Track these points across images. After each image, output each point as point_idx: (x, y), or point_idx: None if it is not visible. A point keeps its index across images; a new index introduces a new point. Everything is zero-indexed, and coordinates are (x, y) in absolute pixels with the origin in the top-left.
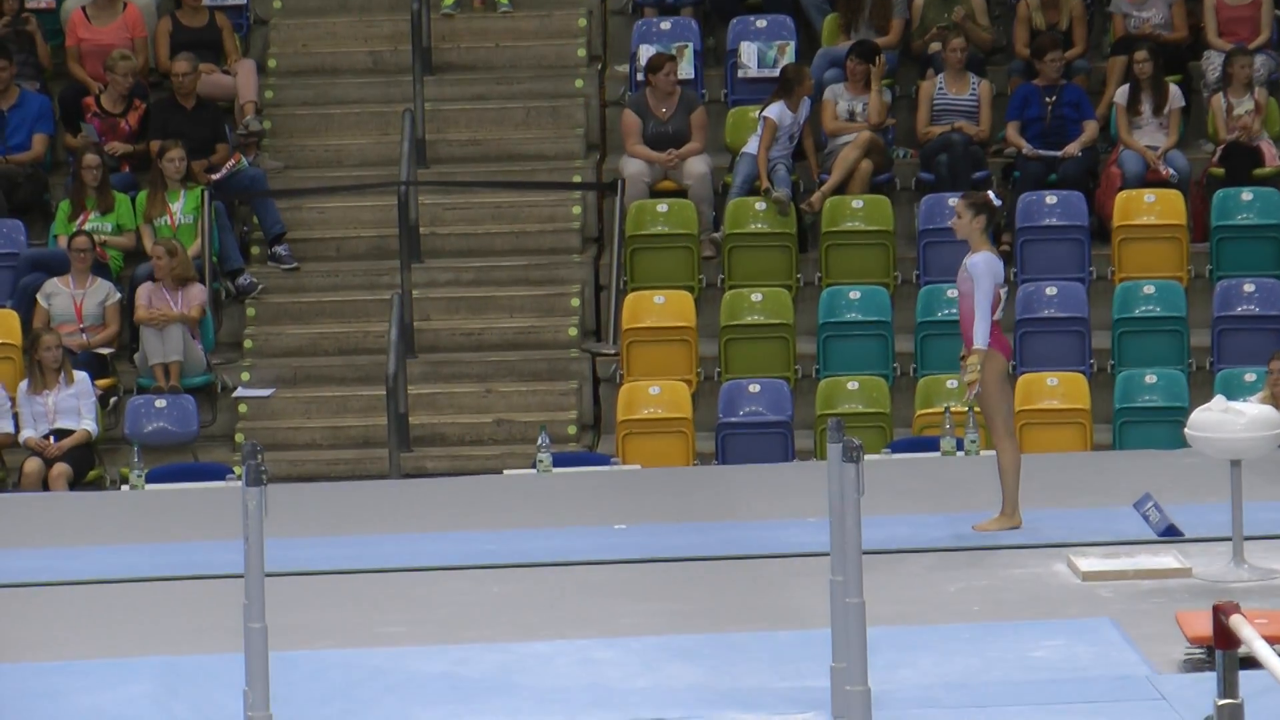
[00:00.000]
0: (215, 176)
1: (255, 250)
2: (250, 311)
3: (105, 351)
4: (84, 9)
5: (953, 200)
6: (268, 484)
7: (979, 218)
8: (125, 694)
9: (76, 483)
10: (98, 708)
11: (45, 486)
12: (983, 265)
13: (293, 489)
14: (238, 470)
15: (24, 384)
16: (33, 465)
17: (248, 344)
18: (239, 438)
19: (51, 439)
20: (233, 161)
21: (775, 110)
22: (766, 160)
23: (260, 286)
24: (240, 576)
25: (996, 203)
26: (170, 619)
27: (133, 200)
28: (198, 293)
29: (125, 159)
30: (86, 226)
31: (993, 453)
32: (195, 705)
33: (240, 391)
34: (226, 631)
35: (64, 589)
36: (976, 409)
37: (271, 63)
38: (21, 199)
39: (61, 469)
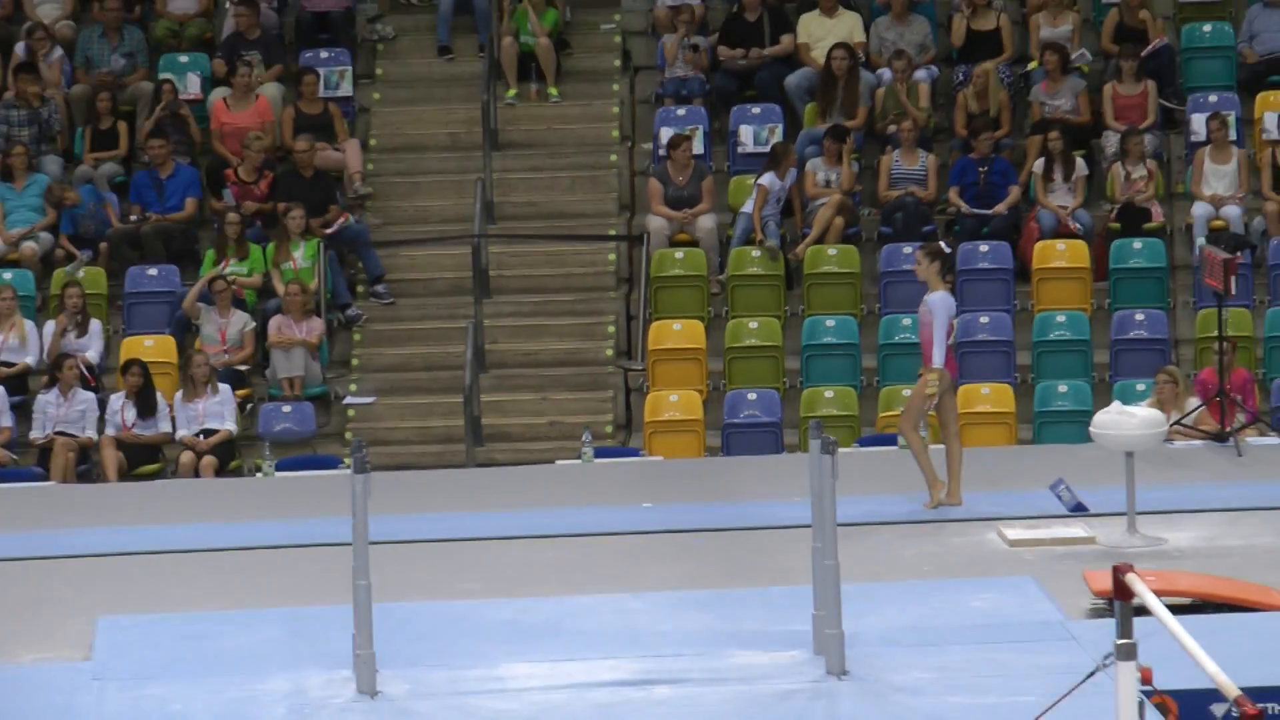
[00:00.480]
0: (328, 230)
1: (360, 289)
2: (356, 336)
3: (243, 368)
4: (225, 99)
5: (908, 249)
6: (370, 472)
7: (934, 263)
8: (260, 637)
9: (221, 471)
10: (237, 648)
11: (197, 474)
12: (939, 302)
13: (389, 476)
14: (347, 461)
15: (179, 394)
16: (187, 458)
17: (354, 362)
18: (348, 435)
19: (201, 437)
20: (342, 219)
21: (767, 178)
22: (760, 218)
23: (364, 317)
24: (349, 545)
25: (947, 250)
26: (294, 578)
27: (263, 249)
28: (316, 322)
29: (258, 217)
30: (227, 271)
31: (940, 446)
32: (314, 646)
33: (349, 399)
34: (338, 588)
35: (212, 555)
36: (931, 413)
37: (372, 141)
38: (176, 249)
39: (209, 461)
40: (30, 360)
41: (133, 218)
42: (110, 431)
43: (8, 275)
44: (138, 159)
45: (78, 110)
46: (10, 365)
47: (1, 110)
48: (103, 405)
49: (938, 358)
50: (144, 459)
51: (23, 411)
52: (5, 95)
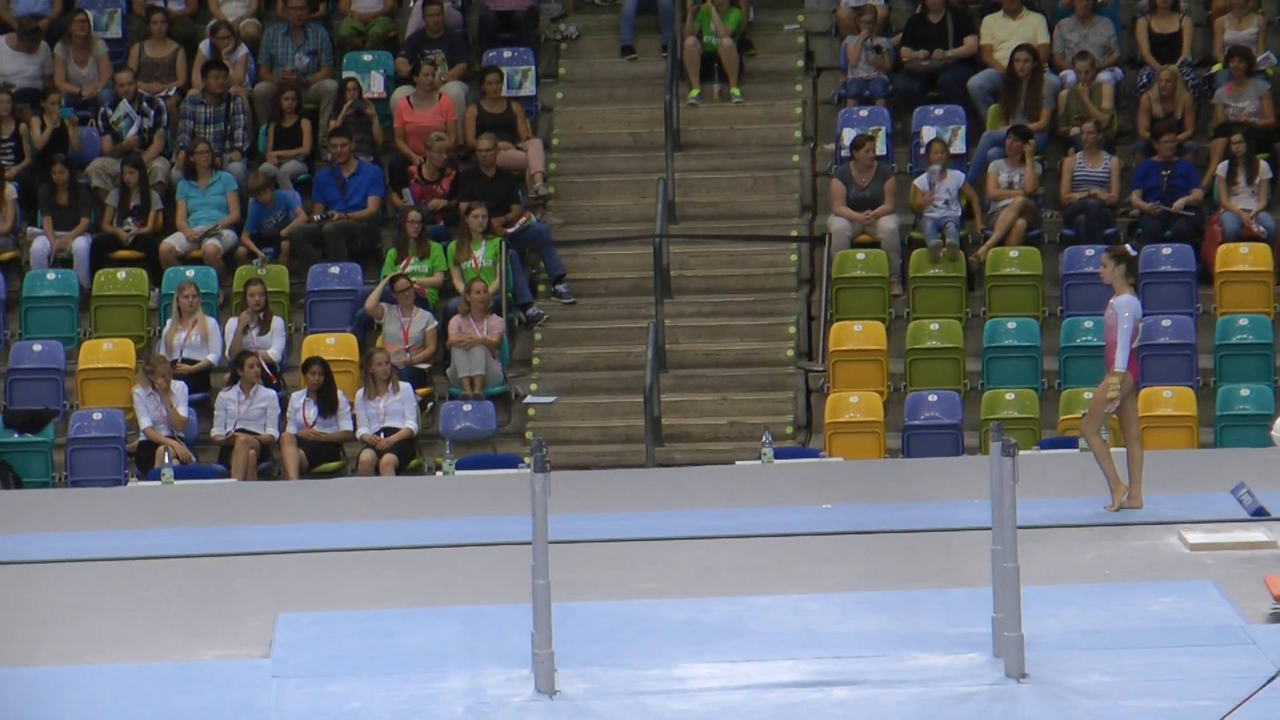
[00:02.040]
0: (510, 230)
1: (541, 288)
2: (537, 336)
3: (424, 366)
4: (408, 98)
5: (1090, 251)
6: (550, 471)
7: (1120, 266)
8: (439, 635)
9: (401, 470)
10: (416, 646)
11: (377, 473)
12: (1125, 306)
13: (570, 475)
14: (527, 460)
15: (360, 392)
16: (367, 456)
17: (535, 361)
18: (528, 435)
19: (381, 435)
20: (524, 218)
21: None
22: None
23: (545, 316)
24: (529, 543)
25: (1134, 254)
26: (474, 577)
27: (445, 248)
28: (496, 321)
29: (440, 215)
30: (408, 269)
31: (1123, 450)
32: (493, 644)
33: (529, 399)
34: (518, 586)
35: (391, 553)
36: (1113, 416)
37: (555, 141)
38: (358, 248)
39: (390, 459)
40: (212, 358)
41: (316, 216)
42: (291, 429)
43: (190, 273)
44: (320, 157)
45: (261, 108)
46: (193, 362)
47: (187, 107)
48: (284, 403)
49: (1121, 361)
50: (325, 457)
51: (204, 409)
52: (191, 92)
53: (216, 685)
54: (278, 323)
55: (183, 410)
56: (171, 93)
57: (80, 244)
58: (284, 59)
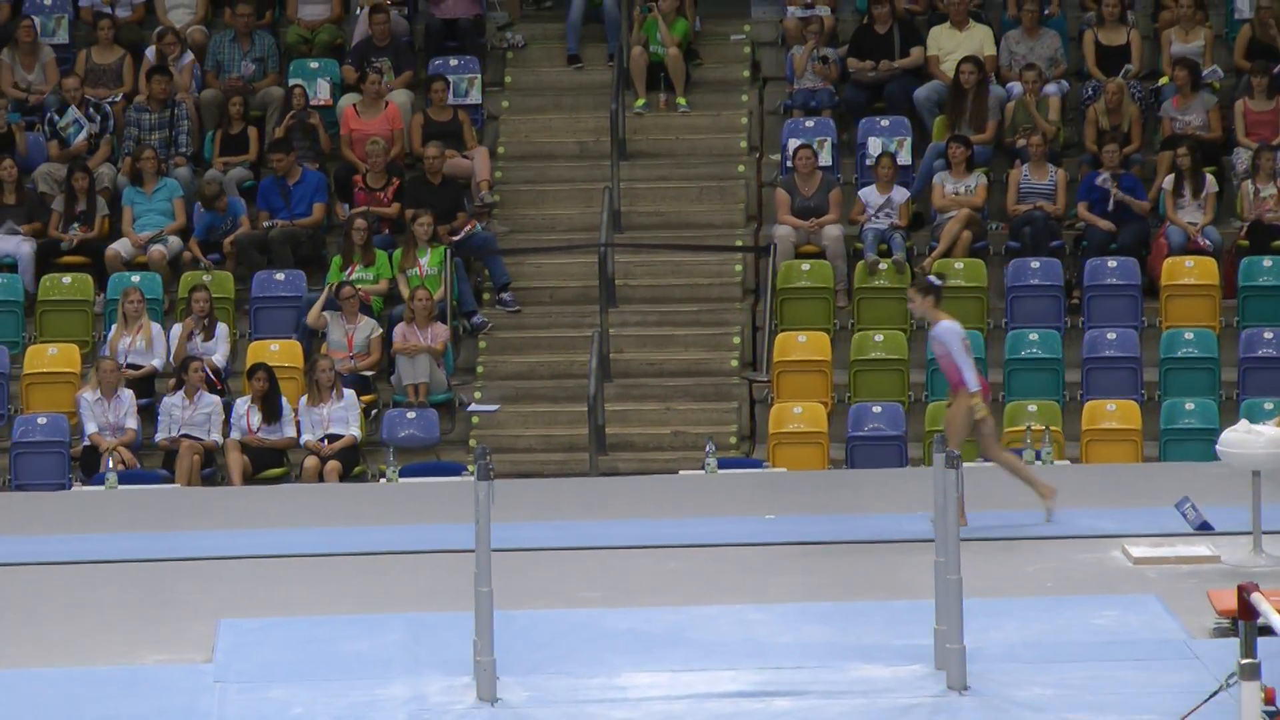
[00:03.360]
0: (455, 238)
1: (486, 296)
2: (482, 344)
3: (368, 374)
4: (355, 105)
5: (1035, 263)
6: (494, 479)
7: (928, 298)
8: (381, 642)
9: (345, 476)
10: (358, 653)
11: (320, 479)
12: (946, 332)
13: (513, 484)
14: (471, 468)
15: (303, 398)
16: (311, 462)
17: (480, 370)
18: (472, 443)
19: (325, 442)
20: (469, 226)
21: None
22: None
23: (490, 325)
24: (472, 551)
25: (938, 283)
26: (416, 584)
27: (390, 256)
28: (441, 329)
29: (385, 223)
30: (353, 277)
31: (1066, 462)
32: (435, 651)
33: (473, 407)
34: (459, 594)
35: (334, 559)
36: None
37: (501, 149)
38: (303, 254)
39: (334, 465)
40: (157, 363)
41: (264, 224)
42: (235, 435)
43: (136, 278)
44: (267, 164)
45: (208, 115)
46: (137, 368)
47: (133, 114)
48: (228, 409)
49: (971, 381)
50: (269, 463)
51: (148, 414)
52: (136, 99)
53: (159, 690)
54: (222, 329)
55: (131, 422)
56: (118, 99)
57: (25, 248)
58: (230, 66)
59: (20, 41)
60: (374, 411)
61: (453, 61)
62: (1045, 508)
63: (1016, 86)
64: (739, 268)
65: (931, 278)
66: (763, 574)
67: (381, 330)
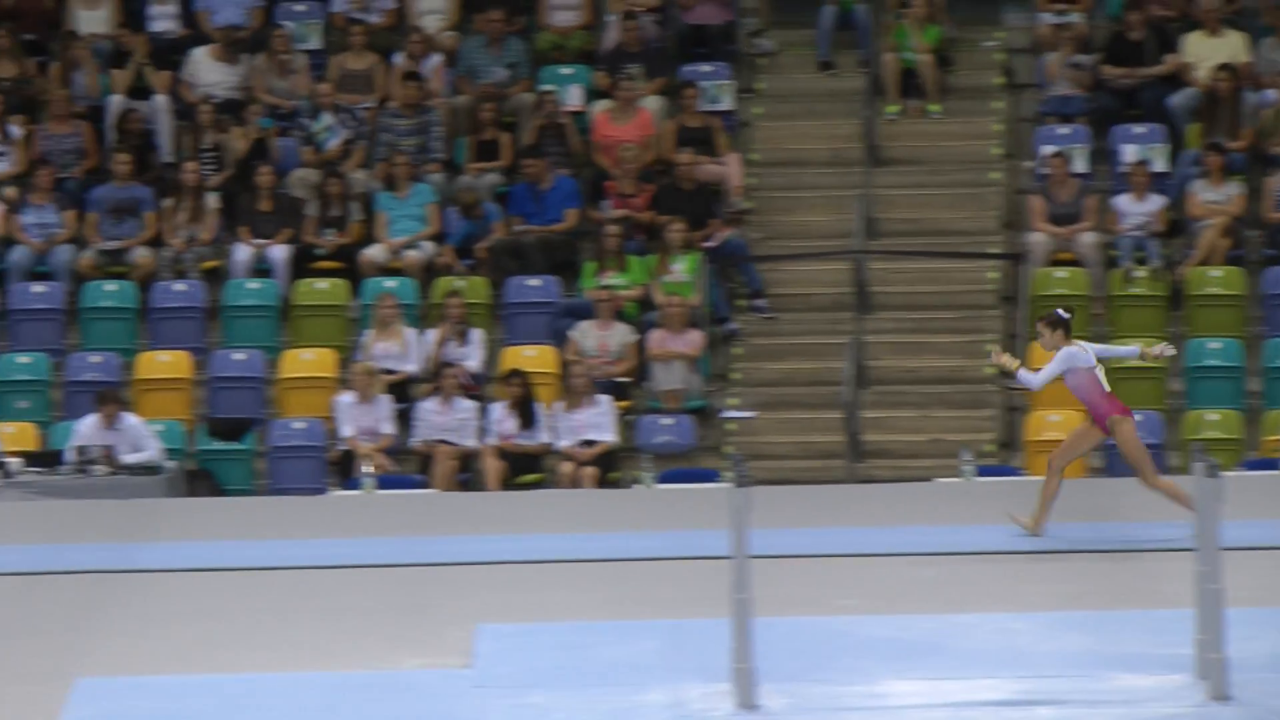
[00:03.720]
0: (709, 244)
1: (740, 303)
2: (737, 350)
3: (623, 380)
4: (606, 111)
5: (1276, 271)
6: (750, 486)
7: (1057, 331)
8: (638, 648)
9: (601, 482)
10: (616, 658)
11: (576, 485)
12: (1064, 358)
13: (769, 490)
14: (727, 475)
15: (559, 404)
16: (567, 468)
17: (735, 376)
18: (727, 449)
19: (581, 447)
20: (723, 233)
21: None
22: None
23: (744, 331)
24: (729, 558)
25: (1067, 316)
26: (673, 590)
27: (644, 262)
28: (696, 335)
29: (638, 229)
30: (606, 282)
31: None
32: (693, 658)
33: (729, 413)
34: (716, 600)
35: (591, 565)
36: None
37: (754, 155)
38: (556, 260)
39: (590, 471)
40: (412, 368)
41: (515, 229)
42: (491, 440)
43: (390, 283)
44: (519, 170)
45: (460, 120)
46: (392, 373)
47: (385, 119)
48: (484, 414)
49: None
50: (525, 468)
51: (404, 419)
52: (389, 104)
53: (418, 694)
54: (476, 334)
55: (387, 427)
56: (371, 104)
57: (279, 254)
58: (483, 71)
59: (275, 49)
60: (629, 417)
61: (704, 67)
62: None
63: (1272, 93)
64: (994, 275)
65: (1060, 311)
66: (1021, 582)
67: (636, 336)
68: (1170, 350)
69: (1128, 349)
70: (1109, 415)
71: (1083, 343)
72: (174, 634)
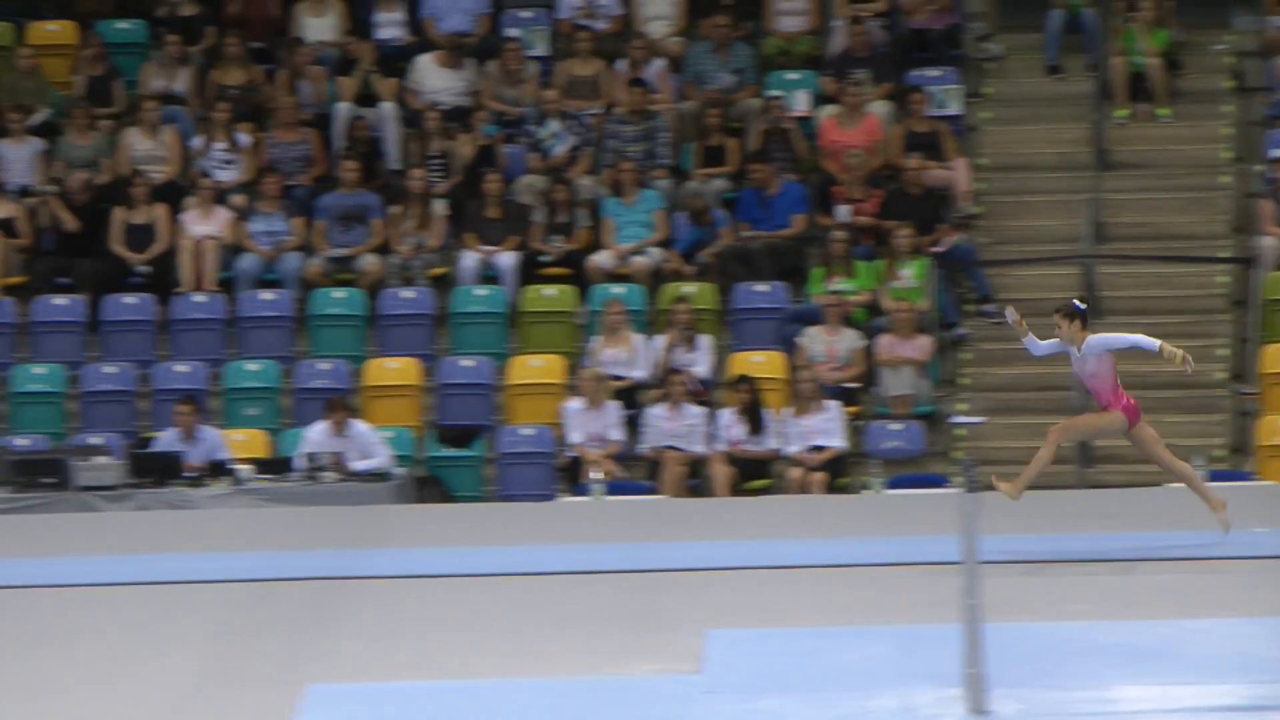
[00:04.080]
0: (937, 249)
1: (968, 308)
2: (966, 356)
3: (851, 385)
4: (833, 117)
5: None
6: (980, 491)
7: (1074, 322)
8: (868, 653)
9: (830, 488)
10: (846, 664)
11: (805, 490)
12: (1100, 345)
13: (998, 496)
14: (957, 480)
15: (787, 410)
16: (795, 474)
17: (963, 381)
18: (956, 455)
19: (809, 453)
20: (951, 238)
21: None
22: None
23: (973, 336)
24: (958, 563)
25: (1082, 307)
26: (902, 595)
27: (871, 267)
28: (925, 341)
29: (865, 234)
30: (834, 288)
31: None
32: (924, 664)
33: (958, 419)
34: (946, 606)
35: (818, 570)
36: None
37: (982, 160)
38: (784, 266)
39: (819, 477)
40: (639, 374)
41: (742, 235)
42: (720, 446)
43: (618, 290)
44: (745, 176)
45: (687, 126)
46: (620, 379)
47: (611, 126)
48: (712, 420)
49: (1144, 341)
50: (754, 474)
51: (632, 425)
52: (615, 110)
53: (647, 699)
54: (704, 340)
55: (616, 433)
56: (597, 111)
57: (507, 260)
58: (709, 77)
59: (506, 58)
60: (858, 423)
61: (931, 72)
62: (1220, 520)
63: None
64: (1223, 279)
65: (1075, 301)
66: (1255, 588)
67: (865, 342)
68: (1189, 365)
69: (1150, 342)
70: (1113, 407)
71: (1103, 334)
72: (403, 641)
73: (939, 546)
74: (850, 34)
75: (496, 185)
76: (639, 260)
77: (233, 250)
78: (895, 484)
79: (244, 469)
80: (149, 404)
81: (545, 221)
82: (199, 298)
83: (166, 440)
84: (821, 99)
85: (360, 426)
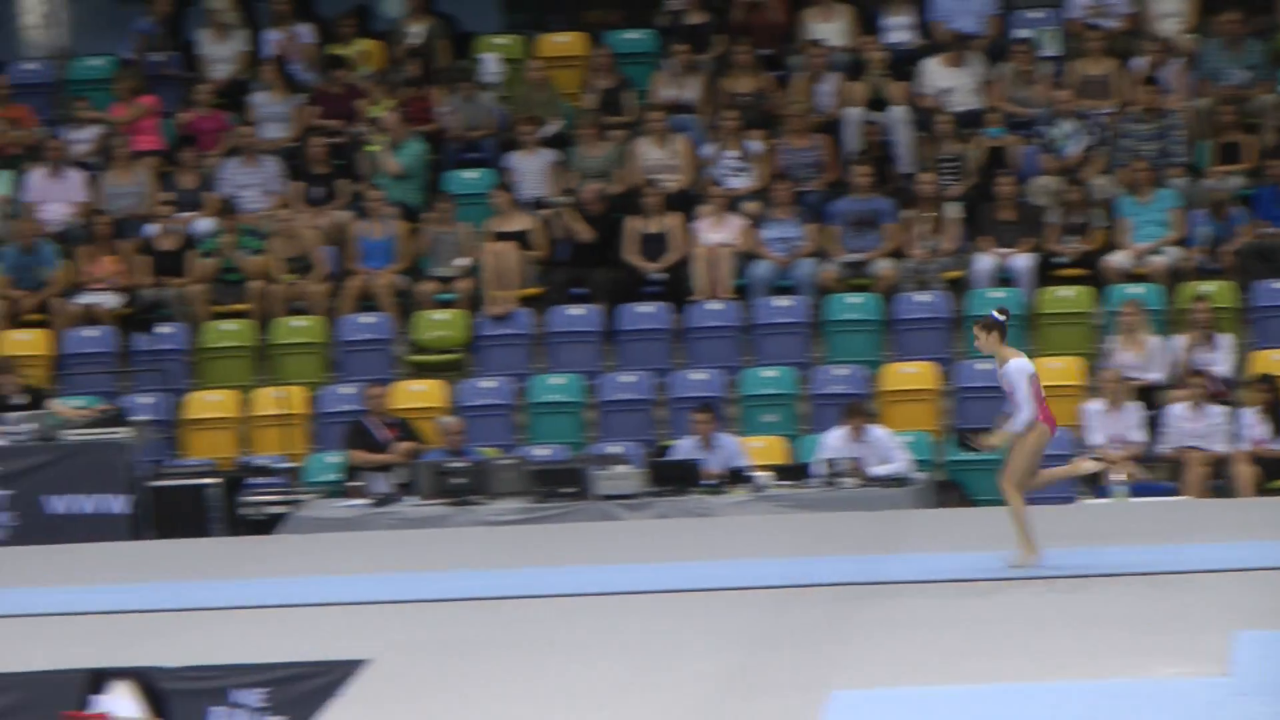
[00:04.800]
0: None
1: None
2: None
3: None
4: None
5: None
6: None
7: (992, 334)
8: None
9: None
10: None
11: None
12: (1018, 370)
13: None
14: None
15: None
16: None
17: None
18: None
19: None
20: None
21: None
22: None
23: None
24: None
25: (1001, 319)
26: None
27: None
28: None
29: None
30: None
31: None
32: None
33: None
34: None
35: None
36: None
37: None
38: None
39: None
40: (1157, 375)
41: (1262, 232)
42: (1243, 446)
43: (1135, 290)
44: (1263, 173)
45: (1202, 124)
46: (1137, 379)
47: (1125, 125)
48: (1234, 420)
49: (1025, 419)
50: (1278, 474)
51: (1151, 426)
52: (1129, 109)
53: (1175, 702)
54: (1225, 339)
55: (1136, 434)
56: (1110, 109)
57: (1022, 263)
58: (1223, 73)
59: (1017, 60)
60: None
61: None
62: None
63: None
64: None
65: (994, 313)
66: None
67: None
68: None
69: (1021, 421)
70: (1044, 420)
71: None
72: (925, 645)
73: None
74: None
75: (1010, 187)
76: (1156, 260)
77: (746, 257)
78: None
79: (763, 476)
80: (666, 412)
81: (1060, 222)
82: (714, 305)
83: (685, 448)
84: None
85: (878, 431)
